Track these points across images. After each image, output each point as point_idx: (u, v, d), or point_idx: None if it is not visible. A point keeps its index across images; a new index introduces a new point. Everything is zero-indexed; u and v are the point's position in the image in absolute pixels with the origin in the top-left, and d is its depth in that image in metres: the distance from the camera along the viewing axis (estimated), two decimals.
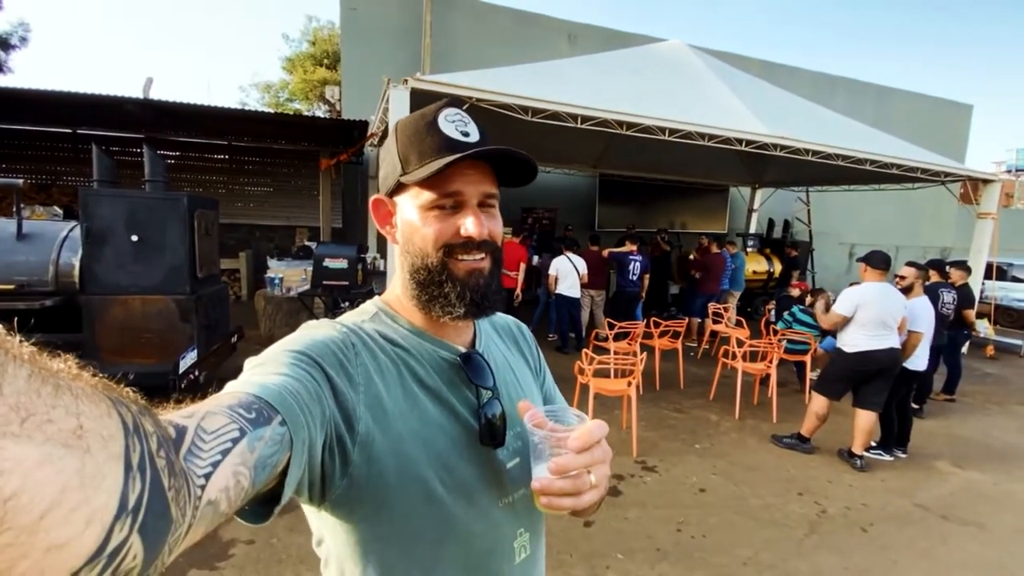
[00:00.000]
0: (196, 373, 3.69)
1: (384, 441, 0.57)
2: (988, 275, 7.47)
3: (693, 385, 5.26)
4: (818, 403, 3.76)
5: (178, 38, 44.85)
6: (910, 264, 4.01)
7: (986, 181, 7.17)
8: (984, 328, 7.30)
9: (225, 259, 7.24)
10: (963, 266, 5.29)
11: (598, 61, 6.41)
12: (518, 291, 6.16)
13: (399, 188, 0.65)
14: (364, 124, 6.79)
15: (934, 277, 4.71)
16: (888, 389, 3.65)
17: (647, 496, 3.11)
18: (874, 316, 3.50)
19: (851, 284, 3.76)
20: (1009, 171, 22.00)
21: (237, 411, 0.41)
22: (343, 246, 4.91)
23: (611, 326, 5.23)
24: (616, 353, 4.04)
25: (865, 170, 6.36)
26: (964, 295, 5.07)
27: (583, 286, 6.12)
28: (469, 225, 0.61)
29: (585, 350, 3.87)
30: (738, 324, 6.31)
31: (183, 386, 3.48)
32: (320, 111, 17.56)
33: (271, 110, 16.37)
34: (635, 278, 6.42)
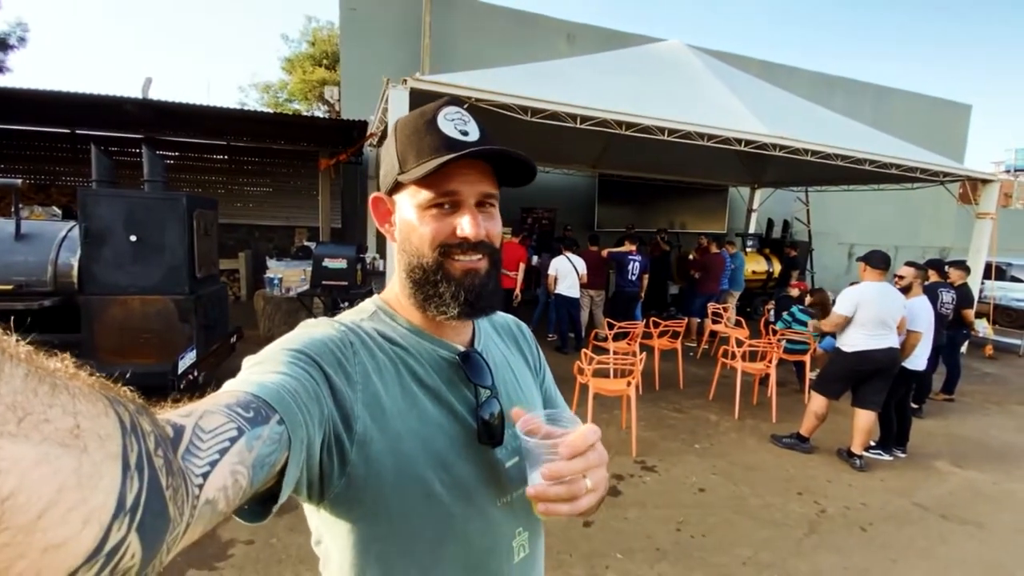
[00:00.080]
0: (195, 373, 3.68)
1: (382, 440, 0.57)
2: (987, 275, 7.48)
3: (692, 385, 5.26)
4: (817, 403, 3.76)
5: (178, 38, 44.88)
6: (909, 264, 4.02)
7: (985, 181, 7.18)
8: (983, 328, 7.31)
9: (224, 259, 7.23)
10: (962, 266, 5.30)
11: (597, 61, 6.41)
12: (517, 291, 6.16)
13: (397, 187, 0.64)
14: (363, 124, 6.78)
15: (933, 277, 4.71)
16: (887, 389, 3.65)
17: (647, 496, 3.11)
18: (873, 315, 3.51)
19: (851, 284, 3.76)
20: (1008, 171, 22.05)
21: (235, 410, 0.41)
22: (342, 246, 4.90)
23: (610, 326, 5.23)
24: (615, 353, 4.04)
25: (864, 170, 6.37)
26: (963, 295, 5.07)
27: (582, 286, 6.12)
28: (465, 225, 0.60)
29: (584, 350, 3.87)
30: (737, 324, 6.32)
31: (182, 386, 3.47)
32: (319, 111, 17.55)
33: (270, 110, 16.35)
34: (634, 278, 6.43)
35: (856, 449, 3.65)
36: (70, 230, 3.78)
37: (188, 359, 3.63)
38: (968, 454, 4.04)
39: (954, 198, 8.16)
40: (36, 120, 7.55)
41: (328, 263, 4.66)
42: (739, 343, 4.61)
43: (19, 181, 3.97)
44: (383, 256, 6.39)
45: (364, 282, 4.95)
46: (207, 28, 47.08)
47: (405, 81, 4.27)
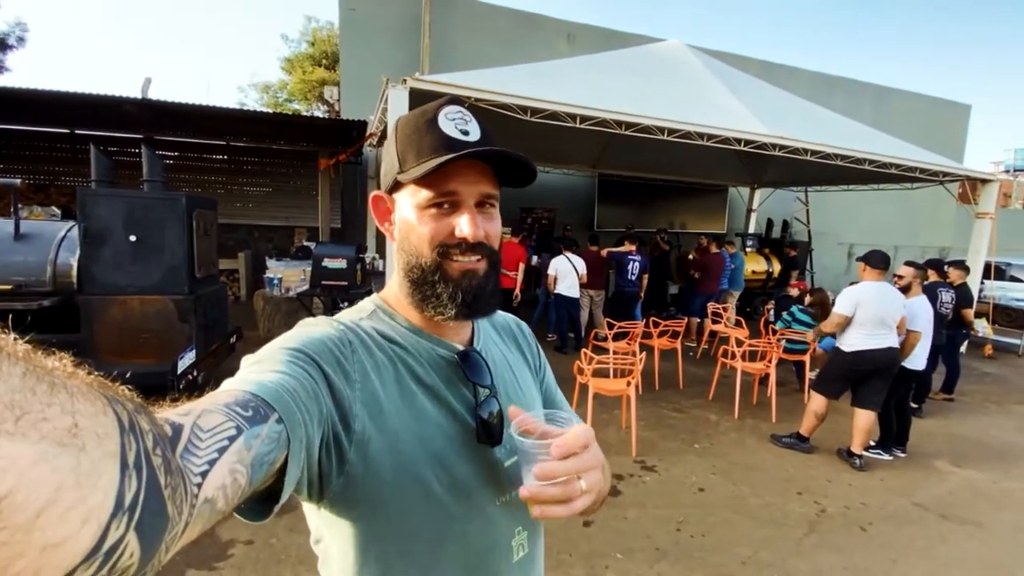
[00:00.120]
0: (194, 373, 3.68)
1: (380, 439, 0.57)
2: (986, 275, 7.48)
3: (692, 385, 5.27)
4: (817, 402, 3.76)
5: (178, 38, 44.86)
6: (908, 264, 4.02)
7: (984, 181, 7.19)
8: (982, 327, 7.32)
9: (224, 259, 7.23)
10: (961, 265, 5.30)
11: (597, 61, 6.42)
12: (517, 291, 6.16)
13: (397, 185, 0.64)
14: (363, 124, 6.78)
15: (933, 277, 4.72)
16: (887, 388, 3.65)
17: (646, 496, 3.11)
18: (873, 315, 3.51)
19: (850, 284, 3.76)
20: (1007, 171, 22.06)
21: (234, 409, 0.41)
22: (342, 246, 4.90)
23: (610, 326, 5.23)
24: (615, 353, 4.04)
25: (864, 170, 6.37)
26: (962, 294, 5.08)
27: (582, 286, 6.12)
28: (464, 226, 0.60)
29: (584, 350, 3.87)
30: (737, 324, 6.32)
31: (181, 386, 3.47)
32: (319, 111, 17.54)
33: (270, 110, 16.34)
34: (634, 278, 6.43)
35: (856, 449, 3.65)
36: (69, 230, 3.78)
37: (187, 359, 3.63)
38: (968, 454, 4.04)
39: (953, 198, 8.17)
40: (35, 120, 7.54)
41: (328, 263, 4.66)
42: (739, 343, 4.61)
43: (18, 181, 3.96)
44: (383, 256, 6.39)
45: (364, 282, 4.95)
46: (207, 28, 47.10)
47: (405, 81, 4.27)
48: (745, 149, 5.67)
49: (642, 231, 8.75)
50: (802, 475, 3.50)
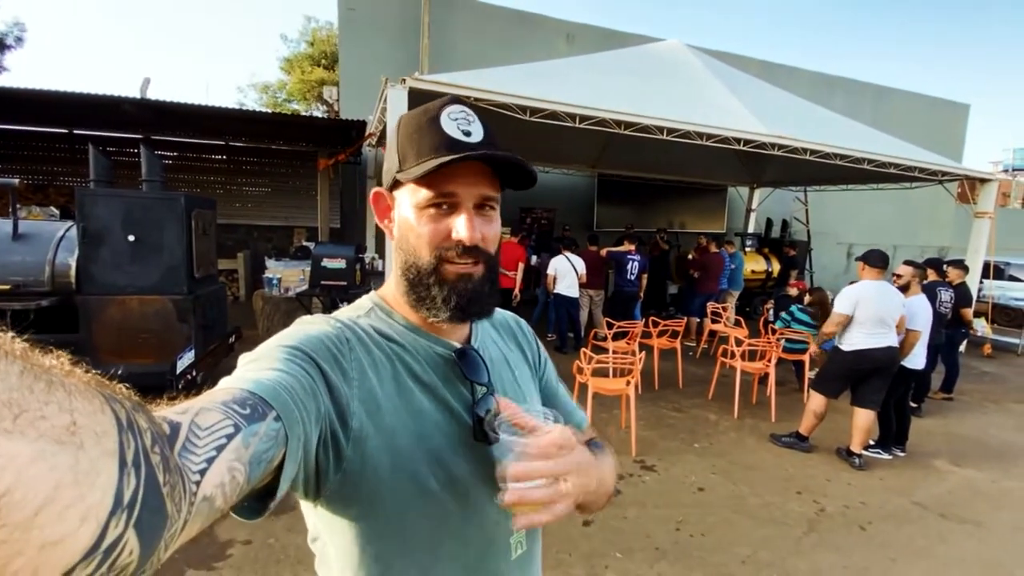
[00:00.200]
0: (193, 373, 3.68)
1: (378, 436, 0.57)
2: (985, 274, 7.49)
3: (692, 384, 5.27)
4: (816, 401, 3.76)
5: (177, 38, 44.86)
6: (907, 263, 4.02)
7: (983, 180, 7.20)
8: (981, 327, 7.33)
9: (223, 260, 7.23)
10: (960, 265, 5.31)
11: (596, 61, 6.42)
12: (517, 291, 6.16)
13: (398, 183, 0.64)
14: (362, 124, 6.77)
15: (932, 276, 4.72)
16: (886, 388, 3.65)
17: (646, 495, 3.11)
18: (872, 314, 3.51)
19: (850, 283, 3.76)
20: (1006, 171, 22.06)
21: (231, 407, 0.41)
22: (341, 246, 4.90)
23: (610, 325, 5.23)
24: (615, 352, 4.04)
25: (863, 169, 6.38)
26: (961, 294, 5.09)
27: (582, 286, 6.13)
28: (461, 228, 0.60)
29: (584, 350, 3.87)
30: (737, 323, 6.33)
31: (180, 386, 3.47)
32: (318, 111, 17.53)
33: (269, 110, 16.33)
34: (633, 278, 6.43)
35: (855, 448, 3.66)
36: (68, 230, 3.77)
37: (186, 359, 3.62)
38: (967, 453, 4.05)
39: (952, 198, 8.19)
40: (34, 120, 7.53)
41: (327, 263, 4.66)
42: (738, 342, 4.62)
43: (16, 181, 3.95)
44: (382, 256, 6.39)
45: (363, 282, 4.95)
46: (206, 28, 47.09)
47: (404, 81, 4.27)
48: (744, 149, 5.67)
49: (641, 231, 8.75)
50: (801, 474, 3.50)
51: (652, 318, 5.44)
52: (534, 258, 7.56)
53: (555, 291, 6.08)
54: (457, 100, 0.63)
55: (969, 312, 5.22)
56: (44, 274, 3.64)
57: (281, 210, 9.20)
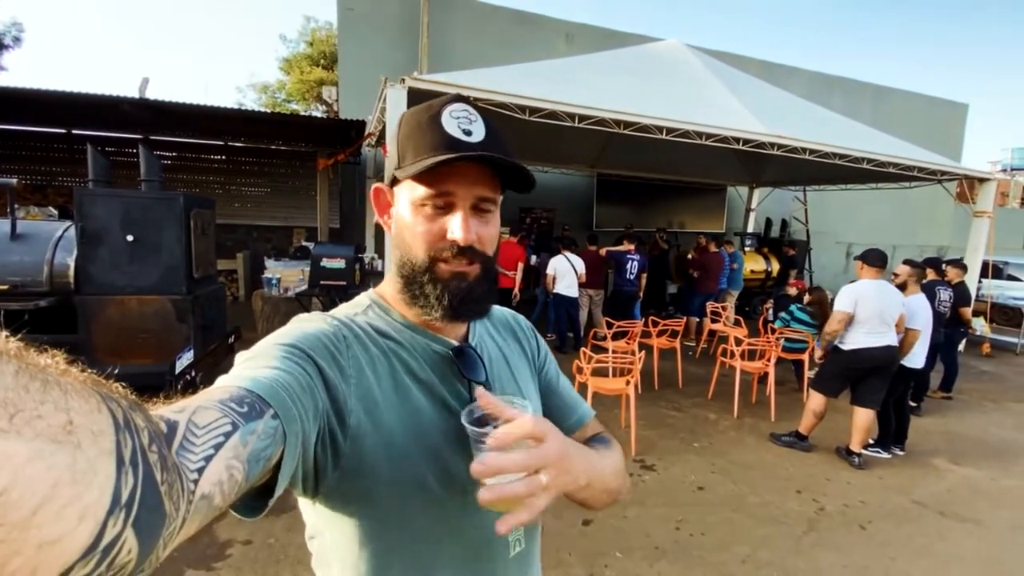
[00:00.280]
0: (192, 373, 3.67)
1: (375, 434, 0.57)
2: (984, 273, 7.50)
3: (691, 384, 5.27)
4: (816, 401, 3.77)
5: (177, 38, 44.82)
6: (905, 262, 4.03)
7: (982, 180, 7.20)
8: (980, 326, 7.34)
9: (223, 260, 7.23)
10: (959, 264, 5.32)
11: (596, 61, 6.42)
12: (516, 291, 6.16)
13: (397, 180, 0.64)
14: (361, 124, 6.77)
15: (931, 275, 4.73)
16: (886, 387, 3.65)
17: (646, 495, 3.11)
18: (871, 313, 3.51)
19: (849, 283, 3.77)
20: (1004, 170, 22.09)
21: (229, 405, 0.41)
22: (341, 246, 4.89)
23: (609, 325, 5.23)
24: (614, 352, 4.04)
25: (862, 169, 6.38)
26: (960, 293, 5.09)
27: (581, 285, 6.13)
28: (456, 228, 0.59)
29: (583, 349, 3.87)
30: (736, 323, 6.33)
31: (179, 387, 3.46)
32: (317, 111, 17.53)
33: (268, 110, 16.32)
34: (633, 277, 6.43)
35: (855, 447, 3.66)
36: (66, 230, 3.77)
37: (185, 359, 3.62)
38: (966, 451, 4.05)
39: (951, 197, 8.19)
40: (32, 120, 7.52)
41: (326, 263, 4.66)
42: (738, 342, 4.62)
43: (14, 181, 3.94)
44: (381, 256, 6.38)
45: (362, 282, 4.95)
46: (206, 28, 47.04)
47: (403, 80, 4.27)
48: (744, 148, 5.68)
49: (641, 230, 8.75)
50: (801, 473, 3.51)
51: (652, 318, 5.44)
52: (533, 258, 7.56)
53: (554, 291, 6.08)
54: (461, 99, 0.63)
55: (968, 311, 5.22)
56: (42, 274, 3.63)
57: (280, 210, 9.19)
